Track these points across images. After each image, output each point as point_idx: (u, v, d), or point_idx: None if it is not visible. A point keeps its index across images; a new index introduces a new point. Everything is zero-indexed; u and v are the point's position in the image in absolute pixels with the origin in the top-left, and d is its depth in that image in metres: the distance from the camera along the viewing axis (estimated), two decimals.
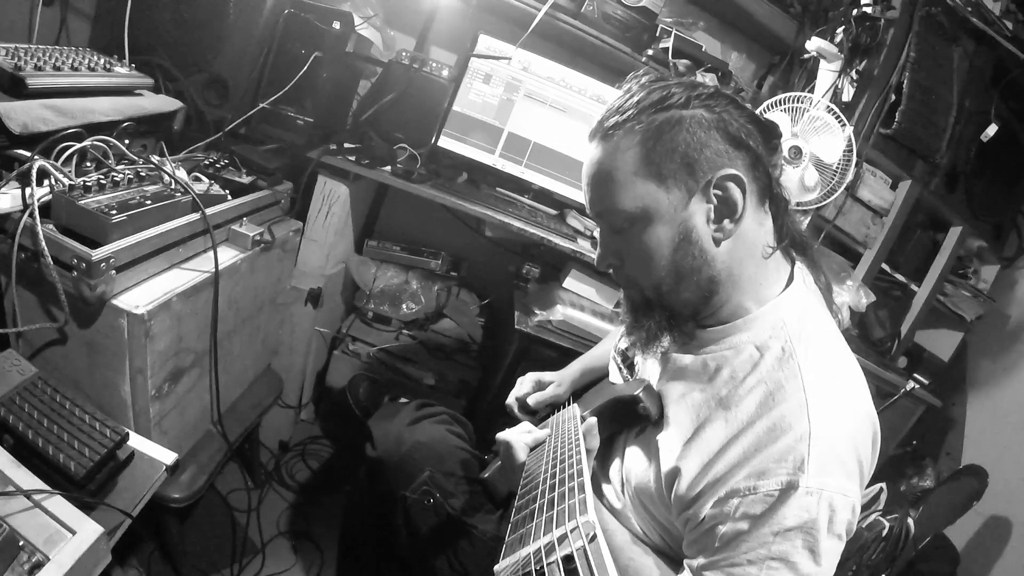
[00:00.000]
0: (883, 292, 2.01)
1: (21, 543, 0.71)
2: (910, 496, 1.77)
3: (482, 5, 1.86)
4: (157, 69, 1.45)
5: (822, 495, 0.67)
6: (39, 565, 0.69)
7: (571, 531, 0.52)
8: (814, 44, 1.72)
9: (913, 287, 2.01)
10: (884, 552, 1.48)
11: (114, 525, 0.86)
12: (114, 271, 1.00)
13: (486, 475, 1.10)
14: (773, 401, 0.73)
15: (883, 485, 1.63)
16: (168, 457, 0.99)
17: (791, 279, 0.84)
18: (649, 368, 0.96)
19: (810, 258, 0.89)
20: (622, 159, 0.78)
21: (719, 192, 0.76)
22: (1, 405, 0.86)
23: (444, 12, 1.97)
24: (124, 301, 1.01)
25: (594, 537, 0.49)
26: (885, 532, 1.48)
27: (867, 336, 1.94)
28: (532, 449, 0.95)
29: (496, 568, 0.54)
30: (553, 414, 1.09)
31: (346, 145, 1.72)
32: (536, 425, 1.12)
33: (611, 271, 0.88)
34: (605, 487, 0.96)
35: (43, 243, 0.94)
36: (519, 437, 0.94)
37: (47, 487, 0.79)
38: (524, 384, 1.23)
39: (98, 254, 0.96)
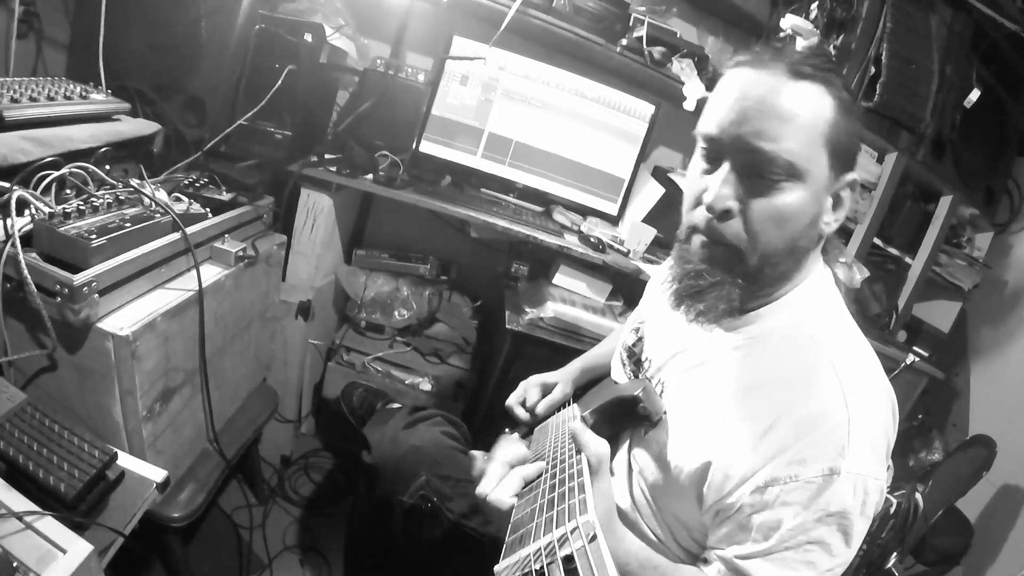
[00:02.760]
0: (877, 267, 2.00)
1: (15, 564, 0.71)
2: (919, 471, 1.75)
3: (454, 7, 1.86)
4: (134, 93, 1.46)
5: (858, 480, 0.69)
6: None
7: (571, 531, 0.52)
8: (788, 22, 1.72)
9: (907, 260, 2.00)
10: (893, 529, 1.47)
11: (107, 544, 0.87)
12: (97, 294, 1.01)
13: None
14: (807, 389, 0.73)
15: (889, 462, 1.61)
16: (158, 475, 0.99)
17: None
18: (663, 358, 0.94)
19: (827, 252, 0.89)
20: (814, 111, 0.72)
21: (844, 191, 0.77)
22: None
23: (417, 17, 1.98)
24: (109, 324, 1.02)
25: (594, 537, 0.49)
26: (893, 509, 1.47)
27: (864, 312, 1.92)
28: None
29: (496, 568, 0.54)
30: (553, 414, 1.09)
31: (327, 156, 1.73)
32: (535, 423, 1.12)
33: (722, 216, 0.75)
34: None
35: (26, 271, 0.96)
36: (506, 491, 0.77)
37: (38, 508, 0.80)
38: (532, 391, 1.19)
39: (80, 279, 0.97)
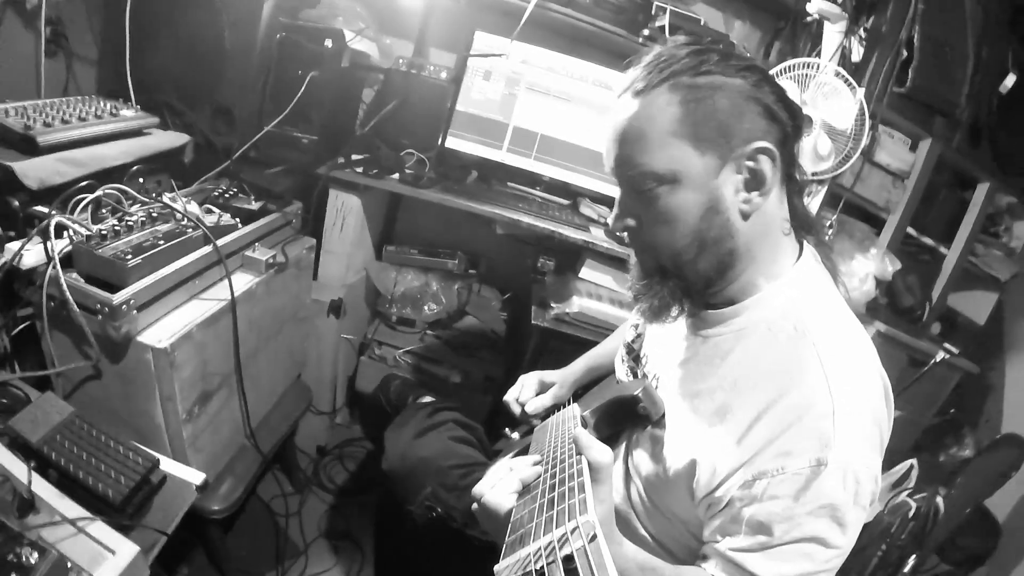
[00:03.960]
0: (911, 257, 1.94)
1: (69, 565, 0.79)
2: (949, 466, 1.71)
3: (474, 3, 1.86)
4: (163, 106, 1.51)
5: (847, 470, 0.68)
6: None
7: (571, 531, 0.52)
8: (815, 6, 1.66)
9: (942, 250, 1.93)
10: (912, 533, 1.45)
11: (151, 543, 0.94)
12: (135, 311, 1.07)
13: None
14: (792, 380, 0.73)
15: (913, 462, 1.59)
16: (197, 477, 1.06)
17: (799, 257, 0.83)
18: (658, 355, 0.96)
19: (818, 238, 0.89)
20: (659, 117, 0.75)
21: (751, 164, 0.75)
22: (44, 444, 0.95)
23: (438, 14, 1.98)
24: (148, 337, 1.09)
25: (594, 537, 0.49)
26: (912, 512, 1.44)
27: (896, 305, 1.88)
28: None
29: (496, 568, 0.54)
30: (553, 413, 1.11)
31: (354, 157, 1.76)
32: (528, 419, 1.15)
33: (625, 234, 0.84)
34: None
35: (67, 292, 1.03)
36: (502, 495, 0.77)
37: (88, 513, 0.88)
38: (527, 387, 1.22)
39: (119, 298, 1.03)
